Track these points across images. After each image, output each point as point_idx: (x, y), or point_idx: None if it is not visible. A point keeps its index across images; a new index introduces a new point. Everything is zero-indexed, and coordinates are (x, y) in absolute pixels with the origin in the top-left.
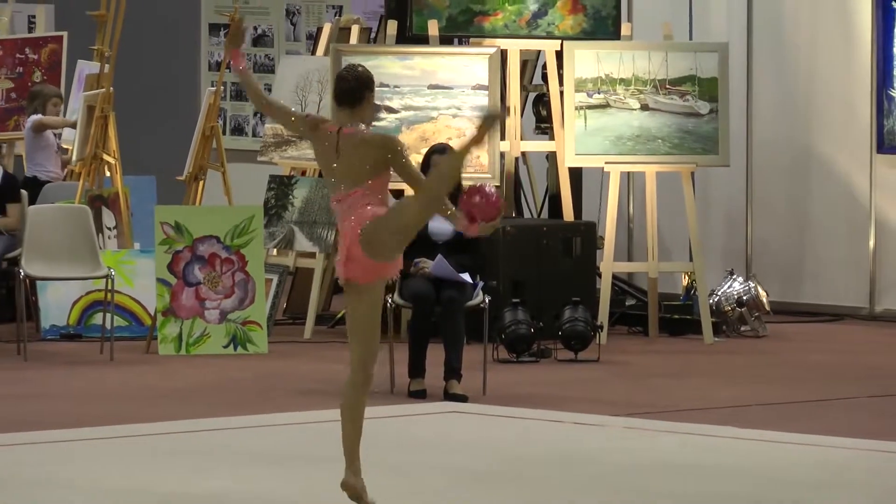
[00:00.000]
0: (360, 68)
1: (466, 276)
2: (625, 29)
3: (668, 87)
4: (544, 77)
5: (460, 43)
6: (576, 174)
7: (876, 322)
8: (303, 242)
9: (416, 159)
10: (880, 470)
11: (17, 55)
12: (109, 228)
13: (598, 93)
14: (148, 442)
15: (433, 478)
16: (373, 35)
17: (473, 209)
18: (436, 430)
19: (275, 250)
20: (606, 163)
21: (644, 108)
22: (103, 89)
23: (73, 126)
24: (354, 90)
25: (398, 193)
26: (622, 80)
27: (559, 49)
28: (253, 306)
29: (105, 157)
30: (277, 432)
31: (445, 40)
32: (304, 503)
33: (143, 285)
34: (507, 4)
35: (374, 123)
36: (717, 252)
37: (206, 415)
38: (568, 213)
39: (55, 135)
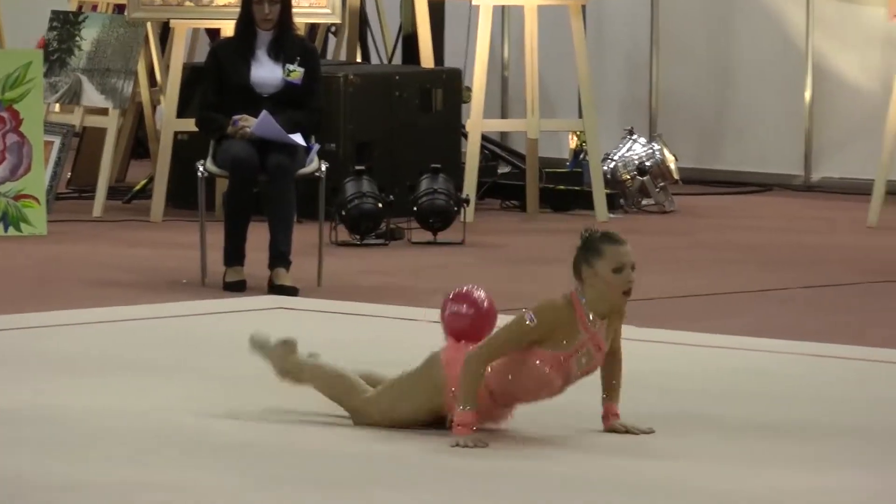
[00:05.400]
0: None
1: (298, 138)
2: None
3: None
4: None
5: None
6: (436, 9)
7: (812, 193)
8: (92, 95)
9: None
10: (826, 377)
11: None
12: None
13: None
14: None
15: (252, 388)
16: None
17: (457, 326)
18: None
19: (57, 105)
20: None
21: None
22: None
23: None
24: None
25: None
26: None
27: None
28: (28, 176)
29: None
30: (67, 333)
31: None
32: (115, 412)
33: None
34: None
35: None
36: (614, 106)
37: None
38: (426, 58)
39: None
